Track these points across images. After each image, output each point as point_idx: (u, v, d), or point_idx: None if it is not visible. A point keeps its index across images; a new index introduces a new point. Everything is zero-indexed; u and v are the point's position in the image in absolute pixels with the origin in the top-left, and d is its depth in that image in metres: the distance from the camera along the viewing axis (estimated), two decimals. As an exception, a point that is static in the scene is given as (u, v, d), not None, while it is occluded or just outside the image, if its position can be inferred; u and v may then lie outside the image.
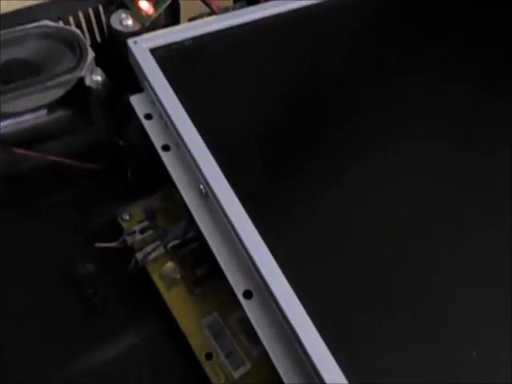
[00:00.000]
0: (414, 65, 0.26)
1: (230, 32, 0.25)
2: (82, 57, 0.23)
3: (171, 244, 0.24)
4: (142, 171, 0.26)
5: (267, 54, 0.25)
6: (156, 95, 0.23)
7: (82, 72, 0.23)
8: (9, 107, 0.23)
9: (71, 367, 0.22)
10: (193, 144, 0.22)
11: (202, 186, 0.21)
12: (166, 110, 0.22)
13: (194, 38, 0.25)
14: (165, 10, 0.28)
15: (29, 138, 0.26)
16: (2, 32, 0.24)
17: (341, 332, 0.18)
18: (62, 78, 0.23)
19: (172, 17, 0.28)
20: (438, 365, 0.18)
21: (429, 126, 0.24)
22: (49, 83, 0.23)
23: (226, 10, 0.31)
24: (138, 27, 0.27)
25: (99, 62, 0.26)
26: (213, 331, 0.23)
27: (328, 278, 0.19)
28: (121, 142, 0.26)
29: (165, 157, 0.22)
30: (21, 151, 0.26)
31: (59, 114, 0.25)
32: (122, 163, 0.27)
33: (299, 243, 0.20)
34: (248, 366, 0.22)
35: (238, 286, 0.19)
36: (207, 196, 0.21)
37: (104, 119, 0.26)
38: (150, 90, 0.23)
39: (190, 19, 0.30)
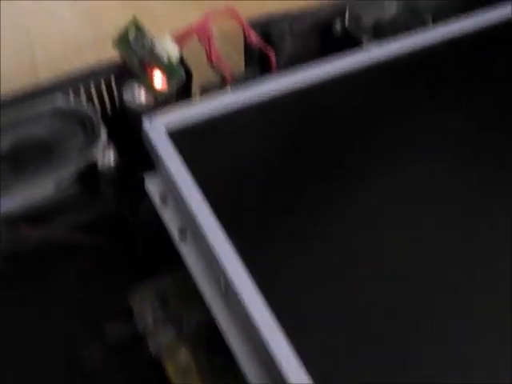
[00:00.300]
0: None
1: (247, 108, 0.25)
2: (94, 138, 0.23)
3: (185, 330, 0.24)
4: (153, 249, 0.26)
5: (286, 129, 0.25)
6: (171, 178, 0.22)
7: (94, 154, 0.22)
8: (17, 190, 0.22)
9: None
10: (211, 232, 0.21)
11: (221, 278, 0.21)
12: (182, 196, 0.21)
13: (210, 116, 0.24)
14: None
15: (35, 215, 0.25)
16: (14, 111, 0.23)
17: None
18: (73, 161, 0.22)
19: (184, 88, 0.28)
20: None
21: (435, 155, 0.24)
22: (60, 168, 0.22)
23: (240, 77, 0.31)
24: (150, 100, 0.27)
25: (110, 135, 0.26)
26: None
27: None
28: (131, 219, 0.26)
29: (180, 244, 0.22)
30: (27, 229, 0.25)
31: (68, 191, 0.24)
32: (131, 239, 0.26)
33: (323, 338, 0.19)
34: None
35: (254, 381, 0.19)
36: (226, 289, 0.20)
37: (113, 196, 0.25)
38: (164, 171, 0.22)
39: (203, 90, 0.30)
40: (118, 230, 0.26)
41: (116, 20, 0.43)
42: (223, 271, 0.20)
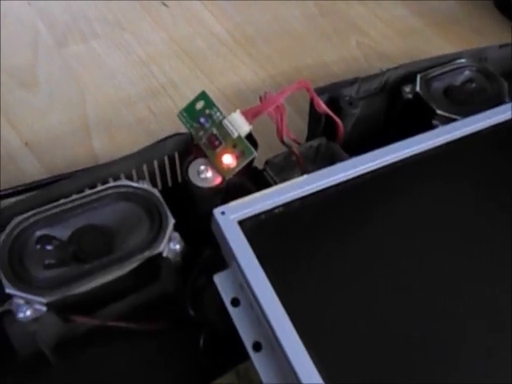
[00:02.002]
0: None
1: (325, 195, 0.22)
2: (161, 226, 0.21)
3: None
4: (216, 346, 0.23)
5: (368, 221, 0.23)
6: (246, 279, 0.20)
7: (161, 247, 0.21)
8: (79, 283, 0.20)
9: None
10: (290, 348, 0.19)
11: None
12: (257, 300, 0.19)
13: (285, 205, 0.22)
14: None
15: (88, 304, 0.23)
16: (75, 197, 0.21)
17: None
18: (139, 256, 0.20)
19: (249, 162, 0.26)
20: None
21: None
22: (125, 263, 0.20)
23: (306, 149, 0.29)
24: (217, 179, 0.25)
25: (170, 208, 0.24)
26: None
27: None
28: (192, 312, 0.24)
29: (255, 357, 0.19)
30: (80, 319, 0.23)
31: (126, 280, 0.22)
32: (193, 331, 0.24)
33: None
34: None
35: None
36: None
37: (176, 283, 0.23)
38: (237, 270, 0.20)
39: (268, 162, 0.28)
40: (178, 317, 0.24)
41: (171, 72, 0.41)
42: None
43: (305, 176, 0.23)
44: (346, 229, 0.23)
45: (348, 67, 0.44)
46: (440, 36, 0.48)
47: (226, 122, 0.24)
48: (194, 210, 0.25)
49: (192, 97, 0.37)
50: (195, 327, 0.24)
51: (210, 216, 0.22)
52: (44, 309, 0.19)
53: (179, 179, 0.26)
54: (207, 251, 0.24)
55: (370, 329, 0.20)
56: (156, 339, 0.24)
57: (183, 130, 0.27)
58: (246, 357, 0.20)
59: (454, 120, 0.29)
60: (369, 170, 0.24)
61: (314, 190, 0.23)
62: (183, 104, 0.38)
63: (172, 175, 0.26)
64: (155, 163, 0.24)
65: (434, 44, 0.48)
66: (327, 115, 0.29)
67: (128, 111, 0.36)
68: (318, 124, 0.30)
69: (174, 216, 0.23)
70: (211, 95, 0.28)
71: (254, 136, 0.26)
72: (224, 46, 0.43)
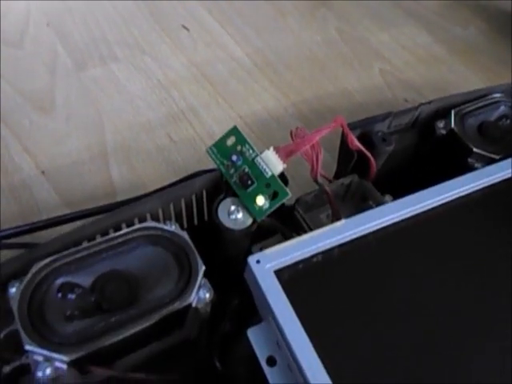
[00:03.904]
0: None
1: (366, 241, 0.21)
2: (191, 275, 0.19)
3: None
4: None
5: (410, 270, 0.21)
6: (284, 337, 0.18)
7: (191, 298, 0.19)
8: (103, 343, 0.19)
9: None
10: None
11: None
12: (296, 360, 0.18)
13: (324, 253, 0.20)
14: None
15: (108, 355, 0.22)
16: (99, 240, 0.20)
17: None
18: (169, 308, 0.19)
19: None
20: None
21: None
22: (152, 315, 0.19)
23: (337, 187, 0.28)
24: (247, 221, 0.23)
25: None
26: None
27: None
28: (219, 366, 0.22)
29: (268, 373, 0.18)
30: (98, 370, 0.22)
31: (150, 330, 0.21)
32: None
33: None
34: None
35: None
36: None
37: (200, 333, 0.22)
38: (274, 325, 0.19)
39: (299, 201, 0.27)
40: (201, 371, 0.23)
41: (190, 97, 0.40)
42: None
43: (343, 221, 0.22)
44: (386, 279, 0.21)
45: (371, 96, 0.43)
46: (465, 65, 0.47)
47: (258, 159, 0.23)
48: (221, 253, 0.24)
49: (212, 124, 0.36)
50: (219, 380, 0.23)
51: (237, 260, 0.21)
52: (65, 367, 0.18)
53: (205, 217, 0.25)
54: (237, 299, 0.22)
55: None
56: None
57: (205, 160, 0.26)
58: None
59: (490, 158, 0.28)
60: (409, 214, 0.22)
61: (354, 237, 0.21)
62: (203, 131, 0.37)
63: (198, 213, 0.25)
64: (182, 202, 0.23)
65: (458, 73, 0.47)
66: (359, 152, 0.28)
67: (148, 137, 0.35)
68: (349, 161, 0.28)
69: (201, 259, 0.22)
70: (232, 122, 0.26)
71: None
72: (245, 71, 0.42)
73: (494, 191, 0.25)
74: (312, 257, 0.21)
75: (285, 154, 0.23)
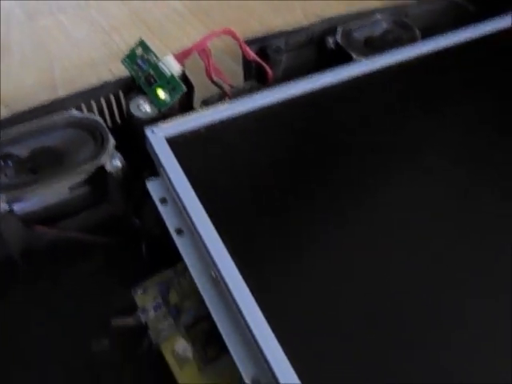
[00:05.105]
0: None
1: (243, 118, 0.27)
2: (103, 145, 0.25)
3: (184, 323, 0.26)
4: (157, 248, 0.28)
5: (280, 138, 0.27)
6: (171, 182, 0.24)
7: (102, 160, 0.25)
8: (34, 195, 0.24)
9: None
10: (204, 231, 0.23)
11: (212, 272, 0.22)
12: (179, 197, 0.24)
13: (208, 126, 0.26)
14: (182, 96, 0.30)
15: (50, 216, 0.28)
16: (31, 122, 0.26)
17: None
18: (84, 167, 0.25)
19: (187, 100, 0.31)
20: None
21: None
22: (72, 172, 0.24)
23: (238, 90, 0.34)
24: (155, 113, 0.29)
25: (119, 143, 0.28)
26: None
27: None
28: (137, 221, 0.28)
29: (178, 240, 0.24)
30: (41, 228, 0.27)
31: (79, 193, 0.27)
32: (137, 238, 0.29)
33: (308, 333, 0.20)
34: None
35: (246, 372, 0.20)
36: (218, 281, 0.22)
37: (121, 199, 0.27)
38: (165, 176, 0.25)
39: (204, 101, 0.32)
40: (126, 230, 0.28)
41: (128, 38, 0.46)
42: (214, 266, 0.22)
43: (227, 102, 0.28)
44: (266, 146, 0.27)
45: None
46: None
47: (160, 63, 0.29)
48: (136, 142, 0.29)
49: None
50: (140, 237, 0.28)
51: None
52: (6, 207, 0.23)
53: (125, 117, 0.30)
54: (147, 172, 0.28)
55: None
56: (106, 251, 0.28)
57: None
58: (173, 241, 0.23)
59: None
60: (291, 97, 0.28)
61: (235, 114, 0.27)
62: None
63: (120, 114, 0.31)
64: (102, 100, 0.29)
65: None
66: (257, 62, 0.33)
67: (91, 72, 0.41)
68: (249, 70, 0.34)
69: (123, 151, 0.27)
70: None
71: (195, 81, 0.30)
72: (179, 15, 0.48)
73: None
74: (198, 128, 0.26)
75: (181, 57, 0.29)
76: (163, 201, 0.25)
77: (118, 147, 0.27)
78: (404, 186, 0.26)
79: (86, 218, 0.29)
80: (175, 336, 0.26)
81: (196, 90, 0.32)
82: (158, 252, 0.28)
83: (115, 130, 0.29)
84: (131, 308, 0.27)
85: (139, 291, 0.27)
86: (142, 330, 0.26)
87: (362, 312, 0.21)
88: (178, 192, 0.24)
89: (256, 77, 0.34)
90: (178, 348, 0.25)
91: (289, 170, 0.26)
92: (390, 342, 0.20)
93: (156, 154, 0.25)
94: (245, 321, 0.20)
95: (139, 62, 0.29)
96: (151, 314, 0.26)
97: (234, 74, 0.36)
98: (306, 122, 0.29)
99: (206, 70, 0.29)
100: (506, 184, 0.26)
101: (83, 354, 0.25)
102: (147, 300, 0.27)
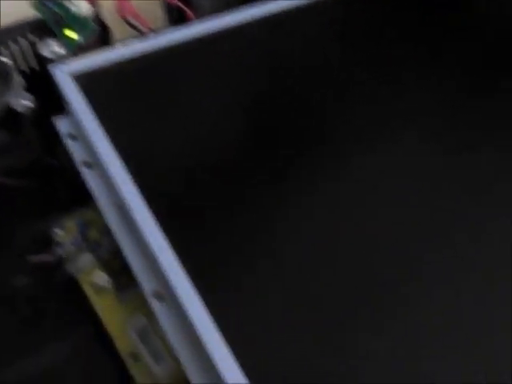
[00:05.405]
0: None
1: (153, 55, 0.27)
2: (8, 84, 0.25)
3: (101, 254, 0.26)
4: (74, 188, 0.28)
5: (190, 76, 0.27)
6: (78, 118, 0.25)
7: (8, 98, 0.25)
8: None
9: (3, 376, 0.24)
10: (111, 165, 0.23)
11: (119, 203, 0.23)
12: (86, 133, 0.24)
13: (117, 63, 0.26)
14: (96, 38, 0.30)
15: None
16: None
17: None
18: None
19: (103, 42, 0.30)
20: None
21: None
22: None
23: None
24: (66, 53, 0.29)
25: (33, 86, 0.28)
26: (139, 333, 0.25)
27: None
28: (53, 161, 0.28)
29: (85, 173, 0.24)
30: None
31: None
32: (55, 178, 0.29)
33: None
34: (173, 364, 0.23)
35: (147, 287, 0.21)
36: (125, 212, 0.23)
37: (36, 141, 0.28)
38: (72, 113, 0.25)
39: (121, 43, 0.32)
40: (44, 172, 0.29)
41: None
42: (123, 199, 0.22)
43: (137, 41, 0.28)
44: (176, 83, 0.27)
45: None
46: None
47: (69, 4, 0.29)
48: (48, 83, 0.29)
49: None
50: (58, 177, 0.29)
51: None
52: None
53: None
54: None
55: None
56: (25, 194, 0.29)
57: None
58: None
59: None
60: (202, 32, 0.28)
61: (145, 50, 0.27)
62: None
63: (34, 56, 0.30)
64: (11, 43, 0.29)
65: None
66: (177, 6, 0.33)
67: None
68: (172, 14, 0.34)
69: (37, 93, 0.27)
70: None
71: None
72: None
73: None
74: (107, 65, 0.26)
75: (92, -1, 0.29)
76: (71, 137, 0.25)
77: (35, 91, 0.28)
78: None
79: (2, 162, 0.29)
80: (93, 268, 0.27)
81: (119, 34, 0.32)
82: (78, 191, 0.29)
83: (29, 74, 0.29)
84: (51, 244, 0.28)
85: (58, 229, 0.28)
86: (61, 264, 0.27)
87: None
88: (84, 128, 0.24)
89: (179, 22, 0.35)
90: (95, 278, 0.26)
91: (201, 106, 0.27)
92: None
93: (62, 91, 0.25)
94: (148, 244, 0.21)
95: (48, 3, 0.29)
96: (69, 248, 0.27)
97: (159, 20, 0.36)
98: (225, 60, 0.29)
99: (119, 9, 0.29)
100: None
101: (4, 290, 0.26)
102: (66, 236, 0.28)
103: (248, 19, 0.30)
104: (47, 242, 0.27)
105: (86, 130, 0.24)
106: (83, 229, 0.27)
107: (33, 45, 0.29)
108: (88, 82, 0.26)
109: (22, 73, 0.28)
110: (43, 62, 0.28)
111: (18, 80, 0.26)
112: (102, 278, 0.26)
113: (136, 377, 0.24)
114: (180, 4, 0.33)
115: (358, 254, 0.20)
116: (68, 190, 0.28)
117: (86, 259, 0.26)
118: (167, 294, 0.21)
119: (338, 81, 0.27)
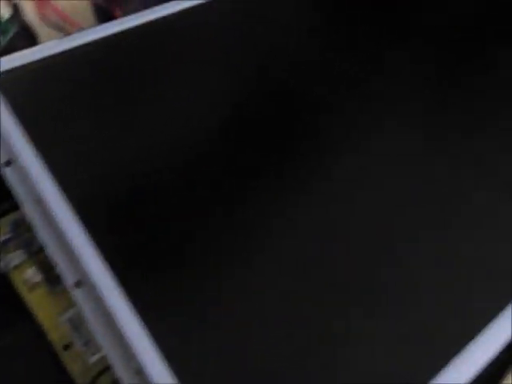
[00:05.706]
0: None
1: (76, 52, 0.28)
2: None
3: (32, 250, 0.27)
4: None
5: (108, 73, 0.28)
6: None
7: None
8: None
9: None
10: (28, 159, 0.24)
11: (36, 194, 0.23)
12: (5, 130, 0.25)
13: (37, 61, 0.27)
14: (21, 41, 0.31)
15: None
16: None
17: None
18: None
19: (29, 44, 0.31)
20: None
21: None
22: None
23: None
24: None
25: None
26: (72, 324, 0.25)
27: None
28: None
29: (6, 172, 0.25)
30: None
31: None
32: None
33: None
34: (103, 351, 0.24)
35: (68, 276, 0.22)
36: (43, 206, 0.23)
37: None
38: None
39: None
40: None
41: None
42: (40, 193, 0.23)
43: (58, 39, 0.28)
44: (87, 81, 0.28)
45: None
46: None
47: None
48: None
49: None
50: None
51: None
52: None
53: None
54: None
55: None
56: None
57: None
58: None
59: None
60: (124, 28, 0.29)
61: (66, 47, 0.28)
62: None
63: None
64: None
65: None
66: (107, 9, 0.34)
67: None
68: (99, 13, 0.35)
69: None
70: None
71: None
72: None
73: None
74: (27, 64, 0.27)
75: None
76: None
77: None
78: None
79: None
80: (25, 263, 0.27)
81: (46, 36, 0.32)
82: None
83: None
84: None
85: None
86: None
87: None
88: (3, 125, 0.25)
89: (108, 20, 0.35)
90: (27, 274, 0.27)
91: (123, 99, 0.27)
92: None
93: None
94: (64, 233, 0.22)
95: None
96: (1, 246, 0.27)
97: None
98: (146, 53, 0.30)
99: (39, 8, 0.30)
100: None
101: None
102: (-1, 235, 0.28)
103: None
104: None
105: (5, 129, 0.24)
106: (14, 227, 0.28)
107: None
108: (7, 80, 0.26)
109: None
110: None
111: None
112: (32, 273, 0.27)
113: (68, 365, 0.25)
114: (108, 5, 0.33)
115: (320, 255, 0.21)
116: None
117: (17, 255, 0.27)
118: (87, 283, 0.21)
119: (320, 73, 0.28)
